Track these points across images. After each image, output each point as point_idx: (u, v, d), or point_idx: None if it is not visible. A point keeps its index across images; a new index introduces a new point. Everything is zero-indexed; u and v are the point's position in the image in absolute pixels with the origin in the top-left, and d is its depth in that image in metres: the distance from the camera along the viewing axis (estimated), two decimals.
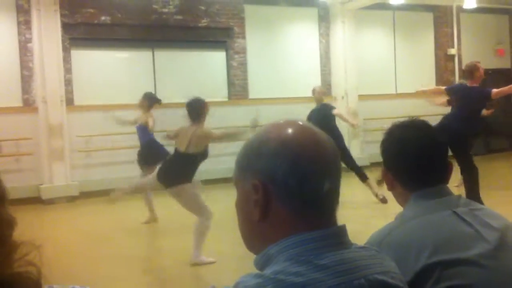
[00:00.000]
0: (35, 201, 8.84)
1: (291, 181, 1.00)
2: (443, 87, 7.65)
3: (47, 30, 9.33)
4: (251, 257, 1.08)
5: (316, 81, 12.05)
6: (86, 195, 9.16)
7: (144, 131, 7.41)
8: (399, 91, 12.75)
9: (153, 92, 10.49)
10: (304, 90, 11.51)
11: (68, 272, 4.82)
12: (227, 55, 11.29)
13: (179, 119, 9.90)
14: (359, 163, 11.66)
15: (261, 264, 1.03)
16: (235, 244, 5.31)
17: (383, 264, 1.05)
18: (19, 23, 9.55)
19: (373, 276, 0.99)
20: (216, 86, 11.02)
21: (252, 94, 11.28)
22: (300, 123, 1.09)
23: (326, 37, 12.20)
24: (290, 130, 1.05)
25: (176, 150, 5.60)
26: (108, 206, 7.22)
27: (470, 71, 6.94)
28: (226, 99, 11.09)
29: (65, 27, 9.73)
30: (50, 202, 8.93)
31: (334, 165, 1.05)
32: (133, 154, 9.78)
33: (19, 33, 9.55)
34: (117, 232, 6.98)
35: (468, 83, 6.98)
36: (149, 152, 7.27)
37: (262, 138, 1.06)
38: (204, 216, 5.26)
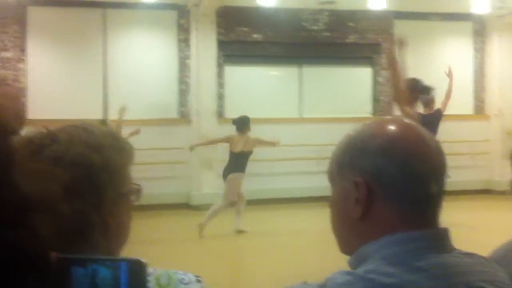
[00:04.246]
0: (185, 206, 9.61)
1: (399, 181, 0.96)
2: None
3: (204, 47, 10.06)
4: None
5: (468, 98, 11.53)
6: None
7: None
8: None
9: (298, 107, 10.83)
10: (454, 107, 11.07)
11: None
12: (373, 71, 11.24)
13: (321, 133, 10.22)
14: None
15: (356, 263, 0.98)
16: None
17: (491, 273, 0.97)
18: (179, 40, 10.43)
19: (475, 283, 0.92)
20: (360, 102, 11.02)
21: (397, 111, 11.07)
22: (405, 121, 1.06)
23: (481, 52, 11.61)
24: (396, 128, 1.01)
25: None
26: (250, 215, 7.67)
27: None
28: (369, 115, 11.04)
29: (221, 44, 10.40)
30: (197, 208, 9.54)
31: (441, 166, 1.01)
32: (275, 167, 10.21)
33: (179, 50, 10.43)
34: (262, 240, 7.28)
35: None
36: None
37: (365, 134, 1.02)
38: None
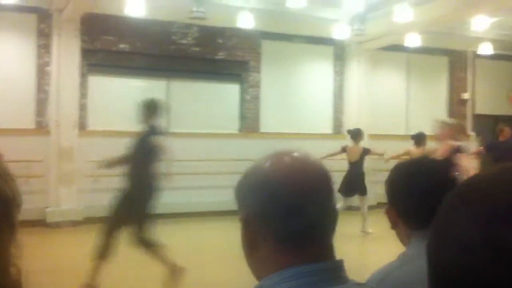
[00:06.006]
0: (40, 223, 8.94)
1: (272, 214, 0.96)
2: None
3: (67, 55, 9.55)
4: None
5: (328, 119, 12.13)
6: (90, 221, 9.20)
7: None
8: (409, 133, 12.72)
9: (165, 121, 10.64)
10: (314, 127, 11.63)
11: None
12: (241, 88, 11.42)
13: (188, 148, 10.13)
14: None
15: None
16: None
17: None
18: (39, 46, 9.75)
19: None
20: (228, 118, 11.13)
21: (263, 128, 11.36)
22: (293, 154, 1.04)
23: (340, 75, 12.30)
24: (275, 162, 1.01)
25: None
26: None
27: None
28: (236, 132, 11.17)
29: (84, 53, 9.92)
30: (55, 225, 9.00)
31: (322, 197, 0.99)
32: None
33: (38, 56, 9.74)
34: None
35: None
36: None
37: (249, 170, 1.04)
38: None
